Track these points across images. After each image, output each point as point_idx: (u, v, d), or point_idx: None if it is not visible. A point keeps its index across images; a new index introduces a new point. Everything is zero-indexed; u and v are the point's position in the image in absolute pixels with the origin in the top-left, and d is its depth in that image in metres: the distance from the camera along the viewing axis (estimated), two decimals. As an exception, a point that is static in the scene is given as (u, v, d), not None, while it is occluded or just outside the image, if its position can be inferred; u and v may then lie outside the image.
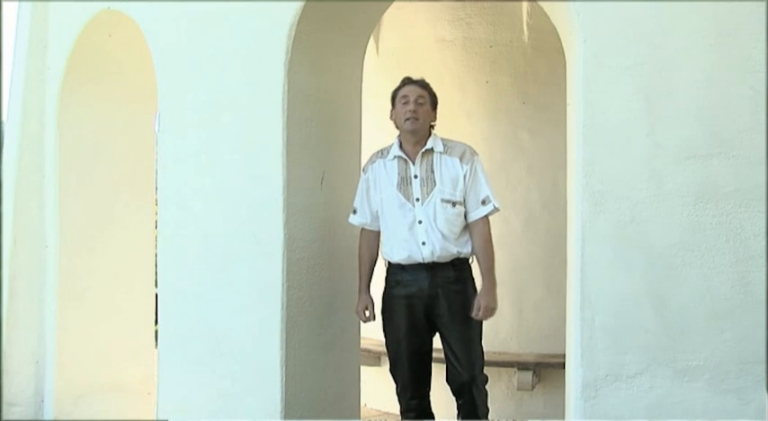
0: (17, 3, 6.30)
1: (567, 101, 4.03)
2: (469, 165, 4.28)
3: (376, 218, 4.42)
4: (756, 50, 3.49)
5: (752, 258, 3.50)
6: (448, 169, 4.28)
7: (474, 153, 4.35)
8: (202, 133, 4.71)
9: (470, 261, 4.36)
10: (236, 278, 4.50)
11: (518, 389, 5.97)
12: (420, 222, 4.25)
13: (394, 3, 4.78)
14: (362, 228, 4.50)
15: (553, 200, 5.77)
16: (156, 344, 5.11)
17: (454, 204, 4.25)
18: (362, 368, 4.98)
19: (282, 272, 4.29)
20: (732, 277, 3.51)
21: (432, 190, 4.26)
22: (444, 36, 6.48)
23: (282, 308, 4.28)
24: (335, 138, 4.64)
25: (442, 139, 4.37)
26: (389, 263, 4.39)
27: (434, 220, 4.23)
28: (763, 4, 3.47)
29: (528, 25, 6.26)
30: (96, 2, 5.46)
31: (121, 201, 5.99)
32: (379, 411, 6.38)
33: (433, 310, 4.28)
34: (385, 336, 4.45)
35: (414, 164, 4.31)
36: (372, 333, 5.31)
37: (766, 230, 3.48)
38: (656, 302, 3.58)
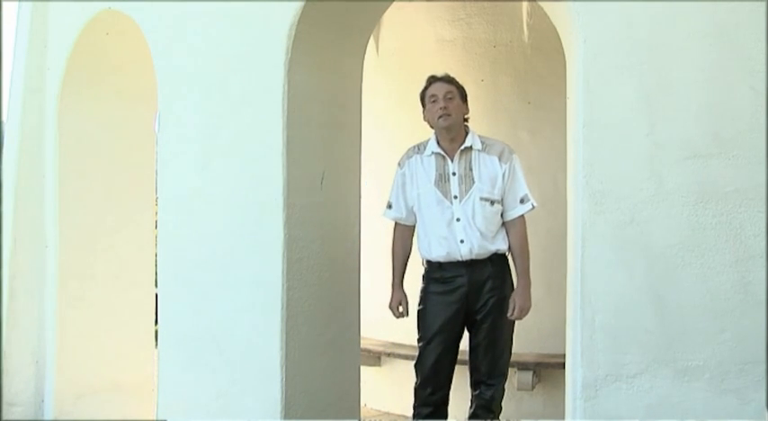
0: (17, 3, 6.30)
1: (567, 101, 4.03)
2: (508, 164, 4.33)
3: (411, 213, 4.44)
4: (756, 50, 3.49)
5: (752, 258, 3.49)
6: (487, 168, 4.32)
7: (512, 152, 4.39)
8: (202, 133, 4.71)
9: (507, 255, 4.39)
10: (236, 278, 4.50)
11: (518, 389, 5.96)
12: (458, 220, 4.27)
13: (394, 3, 4.77)
14: (396, 223, 4.52)
15: (553, 200, 5.74)
16: (156, 345, 5.11)
17: (492, 203, 4.29)
18: (362, 368, 4.97)
19: (282, 272, 4.28)
20: (732, 277, 3.51)
21: (470, 187, 4.29)
22: (444, 36, 6.48)
23: (282, 308, 4.28)
24: (335, 137, 4.63)
25: (480, 137, 4.40)
26: (428, 261, 4.40)
27: (473, 218, 4.26)
28: (763, 3, 3.47)
29: (528, 25, 6.25)
30: (96, 2, 5.46)
31: (121, 201, 5.98)
32: (379, 411, 6.38)
33: (469, 307, 4.32)
34: (418, 331, 4.46)
35: (452, 161, 4.33)
36: (373, 333, 5.32)
37: (766, 230, 3.48)
38: (656, 302, 3.58)
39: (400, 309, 4.46)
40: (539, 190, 6.12)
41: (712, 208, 3.53)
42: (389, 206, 4.52)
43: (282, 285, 4.28)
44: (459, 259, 4.29)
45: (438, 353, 4.37)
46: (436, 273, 4.37)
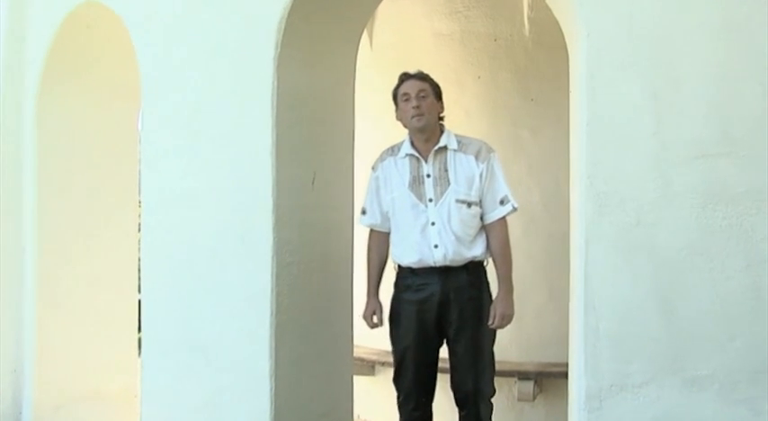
0: (-6, -6, 6.28)
1: (570, 98, 4.01)
2: (486, 163, 4.27)
3: (386, 218, 4.41)
4: (768, 44, 3.48)
5: (764, 262, 3.47)
6: (463, 168, 4.27)
7: (490, 150, 4.34)
8: (188, 131, 4.69)
9: (485, 264, 4.34)
10: (224, 283, 4.48)
11: (518, 399, 5.96)
12: (433, 224, 4.24)
13: (388, -5, 4.77)
14: (371, 230, 4.49)
15: (555, 201, 5.75)
16: (140, 353, 5.09)
17: (469, 205, 4.24)
18: (356, 377, 4.96)
19: (272, 277, 4.27)
20: (743, 282, 3.48)
21: (445, 190, 4.25)
22: (441, 30, 6.47)
23: (272, 314, 4.26)
24: (327, 136, 4.62)
25: (457, 136, 4.36)
26: (399, 266, 4.37)
27: (448, 222, 4.22)
28: (775, -5, 3.46)
29: (529, 18, 6.25)
30: (77, -7, 5.45)
31: (103, 202, 5.97)
32: (373, 422, 6.37)
33: (444, 317, 4.27)
34: (391, 343, 4.43)
35: (426, 162, 4.29)
36: (366, 341, 5.30)
37: (779, 233, 3.47)
38: (664, 308, 3.56)
39: (374, 319, 4.43)
40: (540, 191, 6.17)
41: (722, 209, 3.51)
42: (363, 212, 4.49)
43: (271, 291, 4.27)
44: (433, 265, 4.25)
45: (415, 367, 4.35)
46: (408, 279, 4.34)
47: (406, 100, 4.32)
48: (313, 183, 4.49)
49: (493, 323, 4.23)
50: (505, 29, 6.33)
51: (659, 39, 3.59)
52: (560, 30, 4.18)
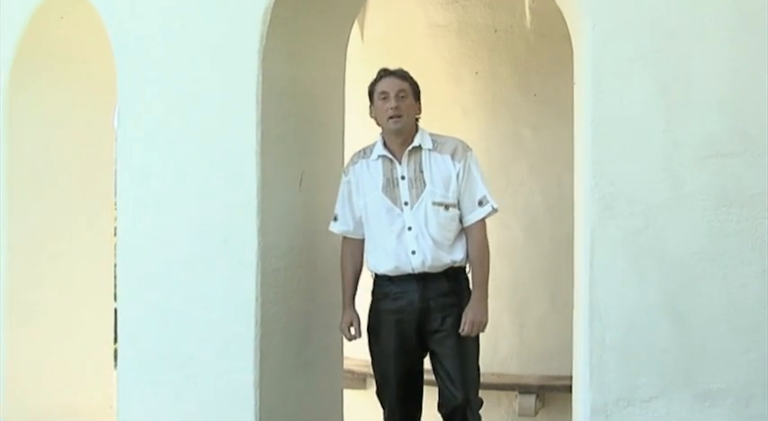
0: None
1: (575, 93, 4.01)
2: (462, 162, 4.24)
3: (359, 224, 4.38)
4: (784, 37, 3.48)
5: (780, 268, 3.48)
6: (439, 168, 4.24)
7: (467, 148, 4.30)
8: (167, 129, 4.68)
9: (466, 270, 4.33)
10: (205, 291, 4.47)
11: (519, 414, 5.96)
12: (410, 229, 4.21)
13: (381, -16, 4.77)
14: (345, 237, 4.46)
15: (558, 203, 5.76)
16: (116, 365, 5.08)
17: (447, 207, 4.21)
18: (345, 391, 4.97)
19: (256, 284, 4.26)
20: (758, 289, 3.48)
21: (421, 192, 4.21)
22: (437, 21, 6.47)
23: (257, 324, 4.25)
24: (315, 134, 4.62)
25: (431, 134, 4.33)
26: (376, 274, 4.35)
27: (425, 226, 4.19)
28: (792, -14, 3.46)
29: (531, 8, 6.26)
30: (50, -19, 5.44)
31: (77, 205, 5.96)
32: (365, 438, 6.36)
33: (425, 326, 4.24)
34: (371, 355, 4.41)
35: (400, 163, 4.27)
36: (357, 352, 5.28)
37: (796, 238, 3.47)
38: (674, 317, 3.56)
39: (351, 330, 4.41)
40: (542, 192, 6.17)
41: (736, 212, 3.51)
42: (335, 218, 4.46)
43: (256, 298, 4.26)
44: (411, 272, 4.22)
45: (399, 379, 4.33)
46: (385, 287, 4.31)
47: (384, 99, 4.28)
48: (300, 184, 4.49)
49: (463, 330, 4.20)
50: (505, 20, 6.33)
51: (669, 30, 3.59)
52: (564, 21, 4.18)
